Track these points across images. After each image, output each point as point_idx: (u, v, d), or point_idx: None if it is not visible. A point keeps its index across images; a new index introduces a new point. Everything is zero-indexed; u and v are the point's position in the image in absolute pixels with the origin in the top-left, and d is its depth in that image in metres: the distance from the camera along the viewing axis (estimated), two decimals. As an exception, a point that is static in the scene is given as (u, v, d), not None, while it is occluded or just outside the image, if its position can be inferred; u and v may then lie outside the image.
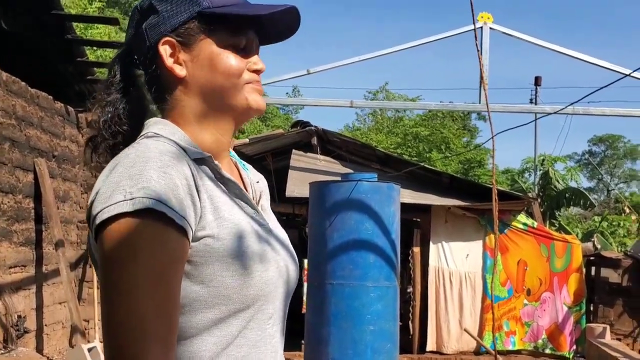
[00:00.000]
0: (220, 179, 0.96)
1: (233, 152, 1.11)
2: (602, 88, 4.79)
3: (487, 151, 28.51)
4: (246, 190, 1.03)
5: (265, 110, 1.04)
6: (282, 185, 7.33)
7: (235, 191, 0.98)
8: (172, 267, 0.85)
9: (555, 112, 7.43)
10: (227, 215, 0.92)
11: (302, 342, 5.79)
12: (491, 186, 8.04)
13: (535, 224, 7.75)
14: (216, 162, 0.97)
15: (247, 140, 8.06)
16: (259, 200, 1.08)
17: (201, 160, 0.95)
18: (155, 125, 0.97)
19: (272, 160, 8.43)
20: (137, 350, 0.79)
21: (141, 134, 0.97)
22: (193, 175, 0.90)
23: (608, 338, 7.27)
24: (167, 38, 0.96)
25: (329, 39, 60.18)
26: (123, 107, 1.00)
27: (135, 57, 1.00)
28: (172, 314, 0.84)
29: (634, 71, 5.49)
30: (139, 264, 0.82)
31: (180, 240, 0.85)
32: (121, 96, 1.00)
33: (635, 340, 7.91)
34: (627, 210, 13.54)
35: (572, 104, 6.27)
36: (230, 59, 0.97)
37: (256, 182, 1.11)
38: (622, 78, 5.44)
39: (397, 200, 5.94)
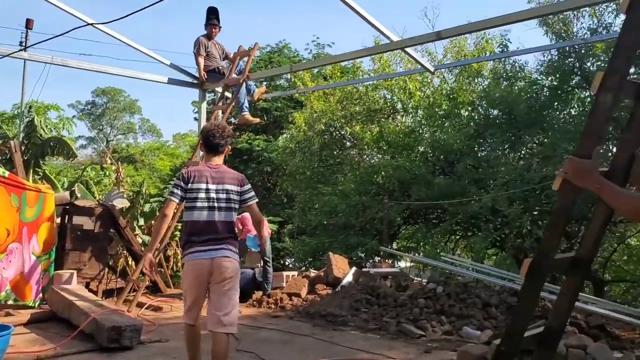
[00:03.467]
0: None
1: None
2: (60, 35, 4.94)
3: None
4: None
5: None
6: None
7: None
8: None
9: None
10: None
11: None
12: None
13: (7, 174, 7.39)
14: None
15: None
16: None
17: None
18: None
19: None
20: None
21: None
22: None
23: (74, 283, 7.69)
24: None
25: None
26: None
27: None
28: None
29: (99, 24, 5.94)
30: None
31: None
32: None
33: (100, 282, 8.63)
34: (109, 161, 14.59)
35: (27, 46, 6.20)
36: None
37: None
38: (84, 26, 5.83)
39: None
